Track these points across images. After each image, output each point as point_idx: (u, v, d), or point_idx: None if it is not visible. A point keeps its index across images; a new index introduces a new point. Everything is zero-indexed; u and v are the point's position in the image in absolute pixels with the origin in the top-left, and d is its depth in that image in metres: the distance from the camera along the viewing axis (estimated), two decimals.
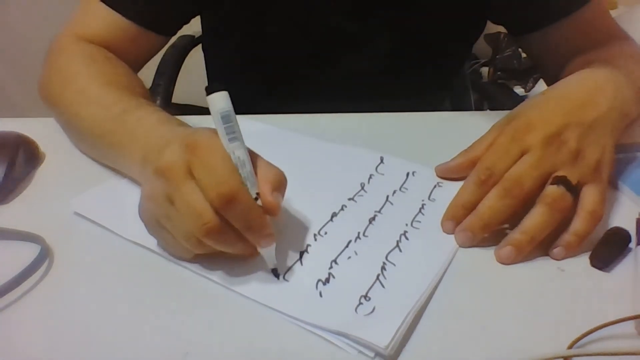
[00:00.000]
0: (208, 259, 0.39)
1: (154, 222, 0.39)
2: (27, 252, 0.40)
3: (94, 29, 0.61)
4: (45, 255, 0.40)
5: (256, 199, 0.37)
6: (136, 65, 0.64)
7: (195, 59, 0.98)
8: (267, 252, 0.38)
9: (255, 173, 0.38)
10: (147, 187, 0.39)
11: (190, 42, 1.08)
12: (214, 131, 0.37)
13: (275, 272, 0.39)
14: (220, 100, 0.37)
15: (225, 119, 0.37)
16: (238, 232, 0.36)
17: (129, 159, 0.46)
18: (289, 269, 0.40)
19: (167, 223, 0.37)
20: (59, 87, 0.56)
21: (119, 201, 0.47)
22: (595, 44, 0.63)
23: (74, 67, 0.56)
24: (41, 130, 0.56)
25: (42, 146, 0.55)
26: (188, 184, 0.35)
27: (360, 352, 0.33)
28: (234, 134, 0.37)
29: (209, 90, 0.37)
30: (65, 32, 0.62)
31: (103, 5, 0.59)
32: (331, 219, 0.45)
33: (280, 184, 0.38)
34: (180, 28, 0.69)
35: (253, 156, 0.39)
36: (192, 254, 0.39)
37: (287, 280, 0.39)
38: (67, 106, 0.54)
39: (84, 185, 0.48)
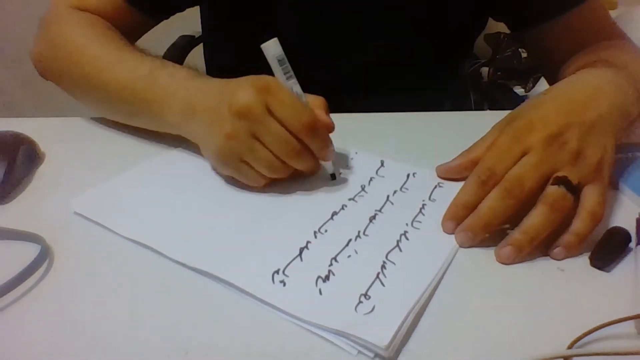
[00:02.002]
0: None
1: (235, 158, 0.45)
2: (27, 252, 0.40)
3: (86, 1, 0.62)
4: (45, 255, 0.40)
5: None
6: None
7: (196, 59, 0.98)
8: (328, 162, 0.49)
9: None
10: (227, 128, 0.44)
11: (190, 42, 1.08)
12: (268, 76, 0.44)
13: (333, 176, 0.50)
14: (275, 46, 0.44)
15: (282, 61, 0.44)
16: (311, 151, 0.46)
17: (167, 112, 0.50)
18: (289, 264, 0.40)
19: (250, 155, 0.45)
20: (68, 57, 0.57)
21: (119, 201, 0.47)
22: (593, 42, 0.63)
23: (80, 35, 0.58)
24: (41, 130, 0.56)
25: (42, 146, 0.55)
26: (271, 120, 0.43)
27: (360, 352, 0.33)
28: (290, 73, 0.45)
29: (262, 40, 0.43)
30: (57, 2, 0.62)
31: None
32: (331, 218, 0.45)
33: (326, 106, 0.48)
34: (172, 14, 0.69)
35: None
36: (265, 181, 0.47)
37: (286, 276, 0.39)
38: (84, 74, 0.56)
39: (84, 185, 0.48)
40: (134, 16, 0.64)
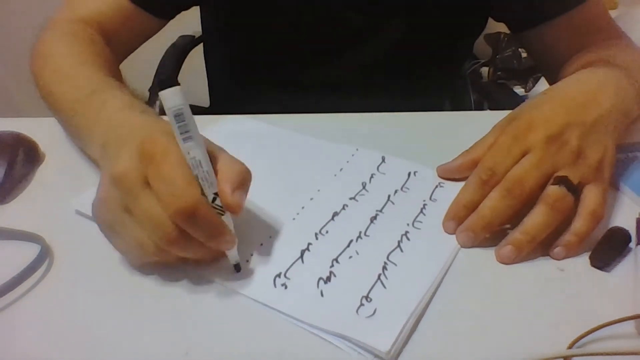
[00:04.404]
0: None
1: (106, 226, 0.38)
2: (27, 252, 0.40)
3: (90, 5, 0.62)
4: (45, 255, 0.40)
5: (214, 199, 0.36)
6: (129, 47, 0.65)
7: (195, 59, 0.98)
8: (230, 252, 0.38)
9: (216, 170, 0.37)
10: (102, 191, 0.37)
11: (190, 42, 1.08)
12: (166, 139, 0.36)
13: (237, 267, 0.39)
14: (171, 97, 0.34)
15: (178, 117, 0.35)
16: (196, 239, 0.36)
17: (91, 143, 0.46)
18: (290, 266, 0.40)
19: (122, 230, 0.37)
20: (40, 64, 0.58)
21: None
22: (594, 42, 0.63)
23: (54, 46, 0.58)
24: (41, 130, 0.56)
25: (42, 146, 0.55)
26: (145, 195, 0.35)
27: (360, 354, 0.33)
28: (188, 133, 0.35)
29: (161, 87, 0.34)
30: (62, 9, 0.63)
31: None
32: (332, 218, 0.45)
33: (242, 181, 0.37)
34: (178, 12, 0.69)
35: (216, 152, 0.38)
36: (142, 261, 0.39)
37: (288, 278, 0.39)
38: (45, 84, 0.55)
39: (84, 185, 0.48)
40: (140, 16, 0.64)
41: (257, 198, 0.47)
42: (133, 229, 0.36)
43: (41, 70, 0.57)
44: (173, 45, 1.07)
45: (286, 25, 0.64)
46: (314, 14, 0.65)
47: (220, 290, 0.38)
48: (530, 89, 1.58)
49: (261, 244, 0.42)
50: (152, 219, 0.34)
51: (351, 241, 0.42)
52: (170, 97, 0.34)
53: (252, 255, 0.41)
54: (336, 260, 0.40)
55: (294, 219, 0.45)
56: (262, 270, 0.39)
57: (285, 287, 0.38)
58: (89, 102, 0.48)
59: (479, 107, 1.13)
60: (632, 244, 0.42)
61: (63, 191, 0.48)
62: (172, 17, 0.69)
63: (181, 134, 0.35)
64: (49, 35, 0.60)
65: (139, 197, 0.35)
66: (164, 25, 0.69)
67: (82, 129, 0.48)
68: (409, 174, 0.51)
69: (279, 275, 0.39)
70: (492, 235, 0.42)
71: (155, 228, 0.35)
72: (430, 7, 0.65)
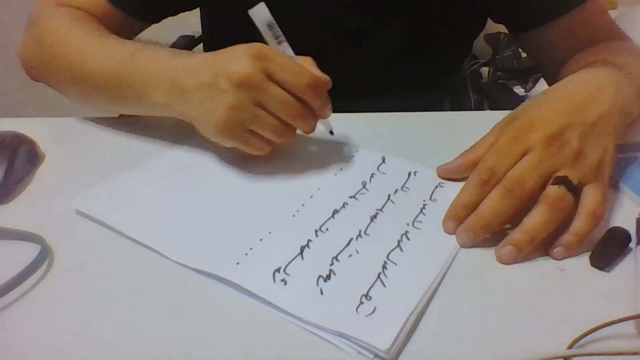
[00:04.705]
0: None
1: (240, 129, 0.46)
2: (27, 252, 0.40)
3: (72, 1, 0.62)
4: (45, 255, 0.40)
5: None
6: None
7: None
8: (326, 120, 0.50)
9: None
10: (229, 99, 0.44)
11: (190, 42, 1.08)
12: (258, 43, 0.45)
13: (332, 132, 0.52)
14: (263, 11, 0.44)
15: (271, 26, 0.45)
16: (312, 110, 0.47)
17: (153, 93, 0.50)
18: (290, 262, 0.40)
19: (255, 123, 0.45)
20: (53, 51, 0.58)
21: (120, 199, 0.47)
22: (593, 43, 0.63)
23: (65, 30, 0.58)
24: (41, 130, 0.56)
25: (42, 146, 0.55)
26: (273, 86, 0.44)
27: (359, 352, 0.33)
28: (280, 37, 0.46)
29: (250, 4, 0.44)
30: (43, 2, 0.63)
31: None
32: (332, 216, 0.45)
33: (315, 64, 0.48)
34: (164, 17, 0.69)
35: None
36: (269, 148, 0.48)
37: (287, 274, 0.39)
38: (69, 67, 0.56)
39: (84, 185, 0.48)
40: (122, 19, 0.64)
41: (257, 194, 0.48)
42: (268, 118, 0.45)
43: (62, 53, 0.57)
44: (173, 45, 1.07)
45: (284, 29, 0.64)
46: (311, 17, 0.65)
47: (221, 290, 0.38)
48: (530, 89, 1.58)
49: (260, 239, 0.42)
50: (284, 102, 0.44)
51: (351, 240, 0.42)
52: (261, 11, 0.44)
53: (251, 249, 0.41)
54: (336, 258, 0.40)
55: (293, 215, 0.45)
56: (262, 264, 0.39)
57: (285, 283, 0.38)
58: (134, 61, 0.51)
59: (479, 107, 1.13)
60: (632, 244, 0.42)
61: (63, 191, 0.48)
62: (157, 21, 0.69)
63: (275, 38, 0.45)
64: (50, 24, 0.60)
65: (269, 88, 0.44)
66: (149, 26, 0.69)
67: (136, 85, 0.51)
68: (409, 174, 0.51)
69: (278, 270, 0.39)
70: (492, 235, 0.42)
71: (289, 108, 0.45)
72: (428, 9, 0.65)
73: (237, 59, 0.44)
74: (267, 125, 0.46)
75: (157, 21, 0.69)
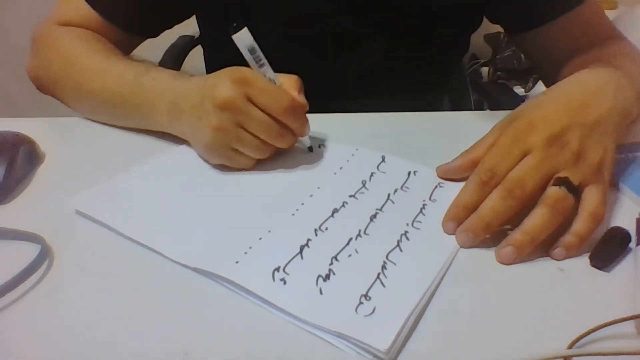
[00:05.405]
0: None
1: (224, 148, 0.49)
2: (27, 252, 0.40)
3: (73, 18, 0.64)
4: (45, 255, 0.40)
5: None
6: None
7: (195, 59, 0.98)
8: (304, 137, 0.52)
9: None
10: (214, 121, 0.47)
11: (190, 42, 1.08)
12: (242, 67, 0.47)
13: (310, 149, 0.54)
14: (245, 37, 0.46)
15: (252, 50, 0.47)
16: (290, 129, 0.49)
17: (155, 113, 0.54)
18: (289, 261, 0.40)
19: (237, 143, 0.48)
20: (60, 69, 0.60)
21: (120, 199, 0.47)
22: (591, 44, 0.63)
23: (70, 48, 0.61)
24: (41, 130, 0.56)
25: (42, 146, 0.55)
26: (252, 108, 0.47)
27: (358, 353, 0.33)
28: (262, 61, 0.48)
29: (233, 31, 0.46)
30: (46, 21, 0.65)
31: None
32: (332, 215, 0.45)
33: (299, 85, 0.50)
34: (160, 31, 0.70)
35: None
36: (254, 162, 0.50)
37: (287, 274, 0.39)
38: (77, 86, 0.59)
39: (84, 185, 0.48)
40: (119, 34, 0.66)
41: (257, 193, 0.48)
42: (248, 138, 0.48)
43: (69, 71, 0.59)
44: (173, 45, 1.07)
45: (280, 33, 0.64)
46: (310, 21, 0.65)
47: (221, 290, 0.38)
48: (530, 89, 1.58)
49: (260, 238, 0.42)
50: (263, 124, 0.47)
51: (351, 239, 0.42)
52: (243, 37, 0.46)
53: (250, 248, 0.41)
54: (336, 258, 0.40)
55: (293, 214, 0.45)
56: (261, 264, 0.39)
57: (284, 283, 0.38)
58: (139, 84, 0.54)
59: (479, 107, 1.13)
60: (632, 244, 0.42)
61: (63, 191, 0.48)
62: (154, 36, 0.70)
63: (256, 62, 0.47)
64: (58, 43, 0.62)
65: (249, 110, 0.46)
66: (145, 40, 0.70)
67: (141, 107, 0.54)
68: (409, 174, 0.51)
69: (277, 269, 0.39)
70: (492, 235, 0.42)
71: (268, 129, 0.47)
72: (422, 10, 0.65)
73: (221, 84, 0.47)
74: (249, 145, 0.48)
75: (154, 35, 0.70)
